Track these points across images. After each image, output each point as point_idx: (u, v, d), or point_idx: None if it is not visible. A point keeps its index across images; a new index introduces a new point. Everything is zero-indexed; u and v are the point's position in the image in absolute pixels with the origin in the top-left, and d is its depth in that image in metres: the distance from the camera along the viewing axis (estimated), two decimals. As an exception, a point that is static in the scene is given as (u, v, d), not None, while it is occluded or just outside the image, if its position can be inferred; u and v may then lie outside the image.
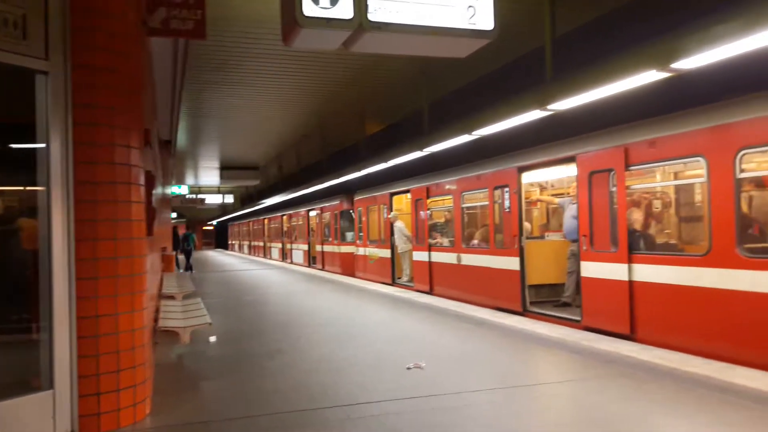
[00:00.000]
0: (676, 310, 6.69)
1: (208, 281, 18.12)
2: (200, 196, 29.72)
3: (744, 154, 5.99)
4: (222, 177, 23.44)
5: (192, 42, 7.17)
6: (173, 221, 29.56)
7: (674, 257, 6.93)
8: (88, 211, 4.25)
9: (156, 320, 7.60)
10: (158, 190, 8.91)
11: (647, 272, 7.10)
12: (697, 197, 8.46)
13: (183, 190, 26.72)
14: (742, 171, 6.06)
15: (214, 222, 61.01)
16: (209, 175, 25.47)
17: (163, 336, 7.56)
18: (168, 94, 9.20)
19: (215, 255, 43.14)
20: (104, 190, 4.30)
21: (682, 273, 6.61)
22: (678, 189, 8.74)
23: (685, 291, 6.54)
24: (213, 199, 30.59)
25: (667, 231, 8.46)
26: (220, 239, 62.82)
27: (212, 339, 7.92)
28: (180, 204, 28.21)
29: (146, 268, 4.74)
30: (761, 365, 5.51)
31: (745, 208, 6.81)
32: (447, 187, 12.41)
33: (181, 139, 16.78)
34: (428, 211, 13.41)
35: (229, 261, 32.33)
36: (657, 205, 8.64)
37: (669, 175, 8.27)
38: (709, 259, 6.29)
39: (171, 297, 10.51)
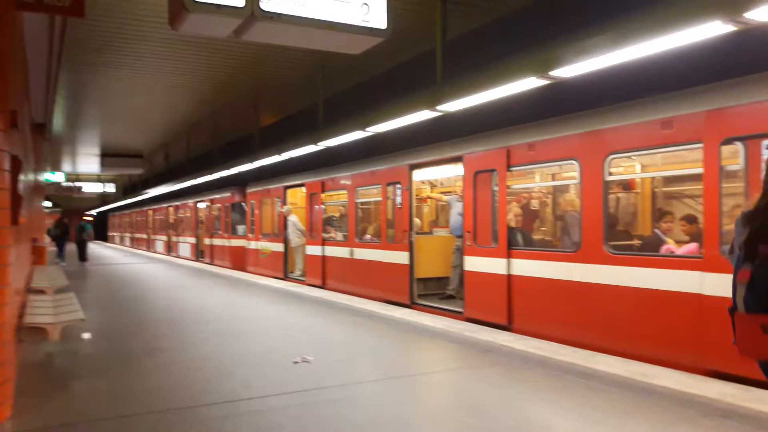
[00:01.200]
0: (549, 302, 7.17)
1: (86, 275, 16.98)
2: (78, 184, 27.74)
3: (612, 159, 6.52)
4: (103, 164, 22.04)
5: (71, 20, 6.68)
6: (46, 210, 27.43)
7: (549, 253, 7.41)
8: (-60, 197, 3.85)
9: (22, 316, 7.02)
10: (28, 177, 8.22)
11: (524, 267, 7.54)
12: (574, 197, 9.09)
13: (59, 177, 24.83)
14: (610, 174, 6.60)
15: (94, 212, 57.18)
16: (89, 162, 23.86)
17: (31, 334, 7.00)
18: (43, 75, 8.50)
19: (94, 247, 40.46)
20: (-40, 173, 3.92)
21: (555, 268, 7.09)
22: (555, 189, 9.35)
23: (558, 284, 7.02)
24: (92, 188, 28.67)
25: (543, 228, 9.02)
26: (100, 231, 59.00)
27: (86, 336, 7.44)
28: (55, 192, 26.19)
29: (9, 261, 4.37)
30: (621, 353, 6.03)
31: (612, 208, 7.42)
32: (342, 182, 12.46)
33: (58, 123, 15.58)
34: (323, 206, 13.40)
35: (110, 254, 30.48)
36: (535, 204, 9.19)
37: (547, 177, 8.82)
38: (579, 255, 6.79)
39: (41, 291, 9.75)
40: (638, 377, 5.21)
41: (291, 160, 12.91)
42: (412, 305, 9.81)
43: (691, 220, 6.59)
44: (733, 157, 5.40)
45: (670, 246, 6.54)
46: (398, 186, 10.32)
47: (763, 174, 3.35)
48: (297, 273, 15.08)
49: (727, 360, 5.24)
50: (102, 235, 56.86)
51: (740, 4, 4.00)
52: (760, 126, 5.08)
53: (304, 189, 14.53)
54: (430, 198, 13.03)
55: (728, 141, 5.34)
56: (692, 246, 6.21)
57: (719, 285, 5.30)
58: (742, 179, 5.27)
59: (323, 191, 13.25)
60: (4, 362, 4.22)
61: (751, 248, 2.60)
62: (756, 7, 3.95)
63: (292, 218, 15.08)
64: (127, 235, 42.91)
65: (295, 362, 5.95)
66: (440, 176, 12.37)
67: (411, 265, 9.97)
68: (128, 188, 36.13)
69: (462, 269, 8.82)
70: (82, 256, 22.62)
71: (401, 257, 10.17)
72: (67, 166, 25.83)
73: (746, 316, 2.59)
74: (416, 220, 10.63)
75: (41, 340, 6.88)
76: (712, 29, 4.35)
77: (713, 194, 5.44)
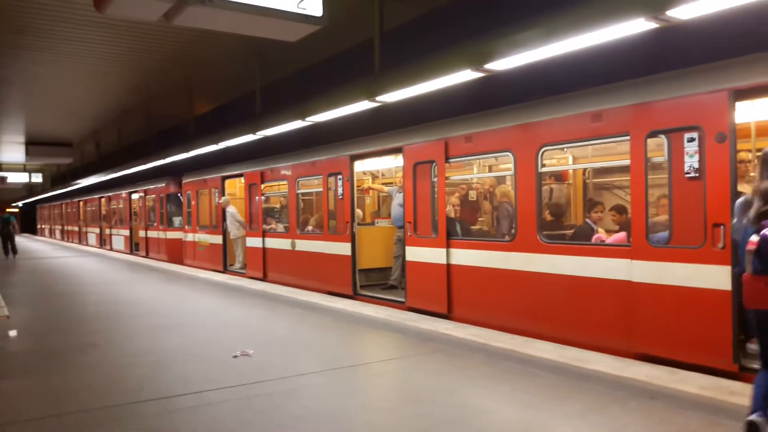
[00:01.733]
0: (486, 290, 7.34)
1: (13, 269, 16.14)
2: (1, 174, 26.27)
3: (545, 151, 6.70)
4: (29, 153, 20.96)
5: (-14, -2, 6.31)
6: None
7: (486, 243, 7.57)
8: None
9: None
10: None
11: (462, 256, 7.68)
12: (509, 188, 9.31)
13: (-21, 167, 23.45)
14: (543, 166, 6.79)
15: (20, 204, 54.33)
16: (13, 150, 22.62)
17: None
18: (-43, 56, 8.01)
19: (21, 240, 38.50)
20: None
21: (492, 257, 7.26)
22: (492, 180, 9.53)
23: (495, 273, 7.19)
24: (17, 178, 27.23)
25: (481, 219, 9.20)
26: (28, 223, 56.15)
27: (12, 333, 7.09)
28: (-25, 183, 24.75)
29: None
30: (557, 339, 6.25)
31: (545, 198, 7.65)
32: (282, 172, 12.30)
33: (-24, 108, 14.71)
34: (263, 197, 13.19)
35: (39, 247, 29.06)
36: (473, 195, 9.36)
37: (484, 168, 8.99)
38: (515, 244, 6.97)
39: (-40, 289, 9.21)
40: (572, 362, 5.42)
41: (229, 149, 12.64)
42: (354, 296, 9.83)
43: (620, 210, 6.87)
44: (659, 149, 5.65)
45: (600, 235, 6.80)
46: (339, 177, 10.28)
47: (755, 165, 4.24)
48: (237, 266, 14.82)
49: (655, 344, 5.51)
50: (31, 228, 54.16)
51: (662, 3, 4.18)
52: (682, 120, 5.34)
53: (242, 179, 14.26)
54: (372, 189, 13.05)
55: (653, 134, 5.58)
56: (621, 235, 6.48)
57: (647, 272, 5.56)
58: (666, 171, 5.52)
59: (263, 182, 13.04)
60: None
61: (758, 222, 3.35)
62: (676, 5, 4.13)
63: (231, 209, 14.78)
64: (58, 227, 41.01)
65: (235, 356, 5.87)
66: (381, 167, 12.40)
67: (353, 256, 9.98)
68: (57, 178, 34.50)
69: (403, 259, 8.90)
70: (12, 249, 21.45)
71: (343, 248, 10.15)
72: (-12, 156, 24.44)
73: (754, 277, 3.31)
74: (358, 211, 10.63)
75: (-39, 339, 6.52)
76: (635, 26, 4.53)
77: (640, 185, 5.68)
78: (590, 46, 4.99)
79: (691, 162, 5.26)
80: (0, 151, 23.22)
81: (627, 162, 5.86)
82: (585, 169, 8.55)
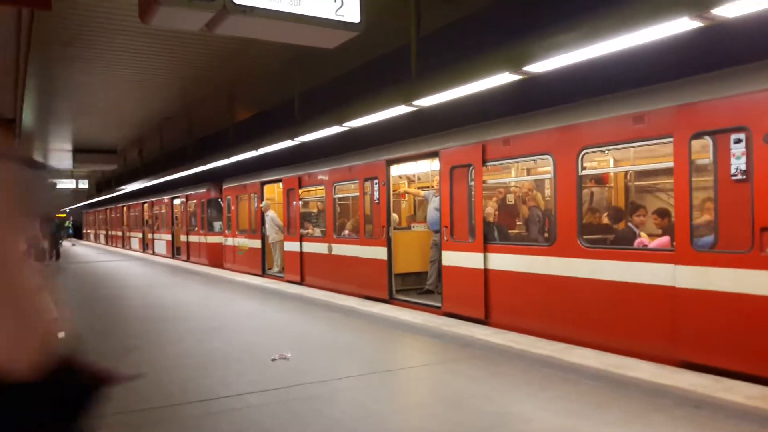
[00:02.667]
0: (525, 295, 7.25)
1: (59, 273, 16.69)
2: (50, 180, 27.20)
3: (585, 153, 6.60)
4: (75, 160, 21.65)
5: (39, 13, 6.54)
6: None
7: (524, 247, 7.49)
8: None
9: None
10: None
11: (500, 261, 7.61)
12: (547, 192, 9.19)
13: (29, 174, 24.28)
14: (583, 168, 6.68)
15: (67, 209, 56.21)
16: (61, 158, 23.40)
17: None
18: (11, 69, 8.32)
19: (67, 245, 39.79)
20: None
21: (531, 261, 7.17)
22: (530, 184, 9.43)
23: (534, 278, 7.10)
24: (65, 185, 28.15)
25: (519, 223, 9.10)
26: (74, 228, 58.04)
27: (60, 335, 7.32)
28: (26, 189, 25.61)
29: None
30: (597, 345, 6.13)
31: (586, 202, 7.52)
32: (319, 177, 12.42)
33: (28, 118, 15.24)
34: (300, 201, 13.34)
35: (84, 252, 29.99)
36: (510, 198, 9.27)
37: (522, 171, 8.89)
38: (554, 249, 6.87)
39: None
40: (613, 369, 5.30)
41: (268, 155, 12.82)
42: (390, 300, 9.84)
43: (662, 213, 6.70)
44: (703, 151, 5.50)
45: (642, 239, 6.65)
46: (376, 181, 10.32)
47: None
48: (275, 269, 15.00)
49: (699, 351, 5.36)
50: (77, 233, 55.97)
51: (706, 1, 4.07)
52: (728, 121, 5.19)
53: (281, 185, 14.44)
54: (408, 193, 13.05)
55: (698, 135, 5.44)
56: (664, 239, 6.32)
57: (691, 277, 5.41)
58: (712, 173, 5.37)
59: (300, 187, 13.19)
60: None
61: None
62: (722, 4, 4.02)
63: (270, 214, 14.99)
64: (102, 232, 42.24)
65: (274, 359, 5.94)
66: (417, 171, 12.39)
67: (389, 261, 9.99)
68: (102, 184, 35.54)
69: (440, 264, 8.87)
70: (56, 253, 22.24)
71: (379, 252, 10.18)
72: (38, 163, 25.32)
73: None
74: (394, 216, 10.65)
75: (13, 340, 6.76)
76: (679, 25, 4.42)
77: (684, 188, 5.54)
78: (632, 46, 4.89)
79: (737, 164, 5.10)
80: (49, 159, 24.06)
81: (670, 164, 5.72)
82: (626, 172, 8.38)
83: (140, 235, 29.54)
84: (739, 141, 5.10)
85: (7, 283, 1.43)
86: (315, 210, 14.19)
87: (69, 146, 20.85)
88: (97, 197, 36.46)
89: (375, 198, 10.33)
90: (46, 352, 1.50)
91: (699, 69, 5.62)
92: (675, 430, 3.87)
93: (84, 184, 29.66)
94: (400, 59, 8.52)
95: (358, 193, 11.17)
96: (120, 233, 34.94)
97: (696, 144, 5.50)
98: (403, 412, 4.45)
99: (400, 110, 7.66)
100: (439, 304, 8.74)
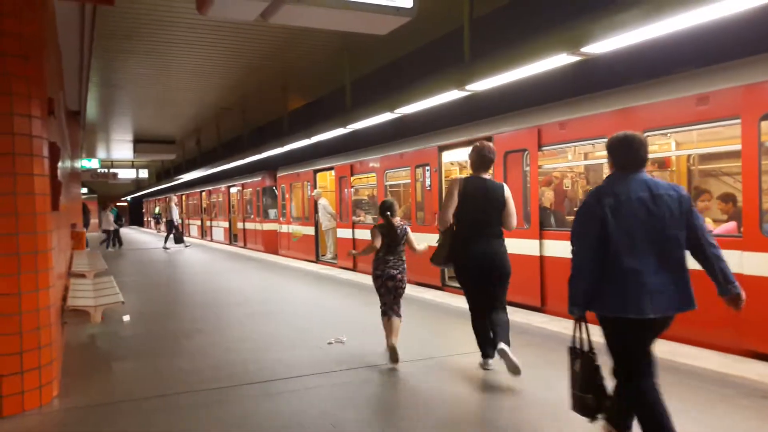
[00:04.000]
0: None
1: (123, 259, 17.42)
2: (113, 170, 28.32)
3: (646, 137, 6.36)
4: (136, 150, 22.42)
5: (100, 8, 6.78)
6: (83, 197, 28.13)
7: (582, 233, 7.31)
8: (-17, 185, 3.98)
9: (65, 299, 7.26)
10: (65, 164, 8.44)
11: (557, 248, 7.47)
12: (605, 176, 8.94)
13: (94, 163, 25.38)
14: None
15: (128, 198, 58.40)
16: (122, 148, 24.30)
17: (73, 316, 7.24)
18: (76, 63, 8.67)
19: (129, 232, 41.41)
20: (2, 161, 4.04)
21: (588, 248, 6.99)
22: (587, 168, 9.19)
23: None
24: (126, 174, 29.25)
25: (576, 209, 8.88)
26: (135, 216, 60.29)
27: (126, 318, 7.66)
28: (91, 179, 26.81)
29: (52, 245, 4.51)
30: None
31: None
32: (371, 164, 12.47)
33: (92, 110, 15.90)
34: (352, 189, 13.44)
35: (145, 238, 31.14)
36: (567, 184, 9.06)
37: (579, 156, 8.68)
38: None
39: (81, 275, 10.05)
40: (675, 357, 5.16)
41: (320, 143, 12.95)
42: (443, 287, 9.82)
43: (728, 198, 6.42)
44: (774, 132, 5.24)
45: (707, 225, 6.39)
46: (427, 168, 10.28)
47: None
48: (329, 256, 15.21)
49: (767, 340, 5.14)
50: (138, 220, 58.11)
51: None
52: (802, 99, 4.92)
53: (333, 172, 14.58)
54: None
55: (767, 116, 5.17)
56: (731, 225, 6.06)
57: (760, 264, 5.17)
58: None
59: (352, 174, 13.28)
60: (50, 343, 4.39)
61: None
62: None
63: (322, 201, 15.17)
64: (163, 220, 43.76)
65: (330, 343, 6.04)
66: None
67: (441, 247, 9.94)
68: (161, 174, 36.73)
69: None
70: (118, 240, 23.12)
71: (432, 239, 10.14)
72: (101, 153, 26.37)
73: None
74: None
75: (84, 322, 7.12)
76: (748, 1, 4.19)
77: (753, 171, 5.29)
78: (695, 25, 4.67)
79: (812, 145, 4.83)
80: (111, 149, 25.02)
81: (737, 147, 5.46)
82: (689, 155, 8.06)
83: (199, 222, 30.44)
84: (814, 121, 4.82)
85: None
86: (367, 197, 14.27)
87: (130, 137, 21.61)
88: (157, 186, 37.69)
89: (427, 185, 10.30)
90: None
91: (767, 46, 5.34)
92: (740, 420, 3.73)
93: (144, 174, 30.74)
94: (452, 44, 8.43)
95: (409, 180, 11.16)
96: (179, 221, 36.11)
97: (765, 125, 5.24)
98: (458, 397, 4.45)
99: (452, 95, 7.58)
100: (492, 291, 8.65)
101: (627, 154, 3.26)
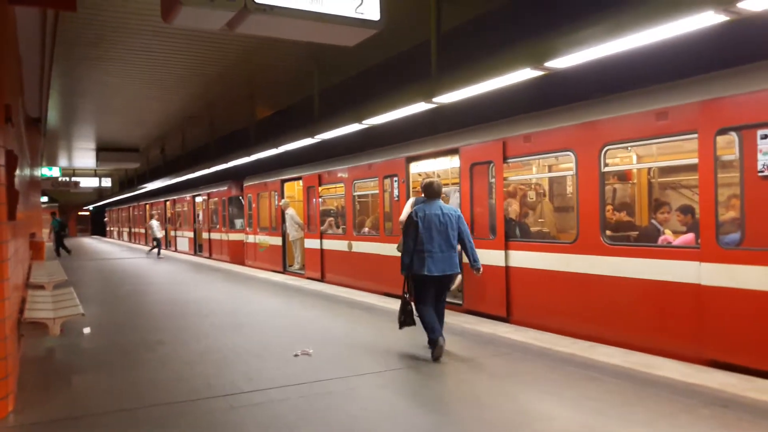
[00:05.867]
0: (547, 293, 7.20)
1: (84, 270, 16.99)
2: (74, 179, 27.68)
3: (608, 150, 6.53)
4: (99, 159, 22.01)
5: (63, 14, 6.66)
6: (43, 206, 27.42)
7: (545, 244, 7.43)
8: (-64, 194, 3.85)
9: (22, 311, 7.03)
10: (24, 172, 8.21)
11: (522, 258, 7.56)
12: (569, 189, 9.11)
13: (54, 172, 24.78)
14: (606, 165, 6.61)
15: (90, 207, 57.08)
16: (85, 156, 23.83)
17: (31, 328, 7.02)
18: (36, 69, 8.48)
19: (91, 242, 40.46)
20: (-43, 170, 3.92)
21: (553, 259, 7.12)
22: (551, 181, 9.36)
23: (556, 276, 7.05)
24: (89, 183, 28.64)
25: (541, 220, 9.03)
26: (97, 225, 58.92)
27: (86, 330, 7.46)
28: (51, 187, 26.17)
29: (7, 256, 4.37)
30: (621, 343, 6.07)
31: (608, 199, 7.43)
32: (339, 175, 12.45)
33: (53, 117, 15.55)
34: (320, 199, 13.39)
35: (108, 248, 30.46)
36: (532, 195, 9.20)
37: (543, 168, 8.83)
38: (577, 246, 6.82)
39: (40, 287, 9.75)
40: (638, 367, 5.25)
41: (288, 153, 12.90)
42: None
43: (686, 210, 6.61)
44: (729, 147, 5.41)
45: (667, 236, 6.57)
46: (395, 179, 10.32)
47: None
48: (296, 266, 15.10)
49: (727, 350, 5.28)
50: (101, 230, 56.81)
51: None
52: (755, 116, 5.10)
53: (301, 182, 14.51)
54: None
55: (723, 131, 5.35)
56: (689, 236, 6.23)
57: (717, 275, 5.33)
58: (738, 169, 5.28)
59: (320, 184, 13.24)
60: (5, 356, 4.25)
61: None
62: (750, -3, 3.95)
63: (290, 212, 15.08)
64: (125, 229, 42.85)
65: (296, 355, 5.98)
66: (437, 168, 12.36)
67: (409, 257, 9.96)
68: (125, 183, 36.06)
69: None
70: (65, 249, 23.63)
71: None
72: (63, 161, 25.79)
73: None
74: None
75: (42, 334, 6.91)
76: (704, 19, 4.35)
77: (709, 184, 5.46)
78: (655, 41, 4.82)
79: (764, 160, 5.01)
80: (73, 157, 24.47)
81: (695, 161, 5.63)
82: (650, 169, 8.28)
83: (162, 232, 29.91)
84: (766, 137, 5.00)
85: None
86: (335, 207, 14.24)
87: (93, 145, 21.19)
88: (120, 195, 36.96)
89: (395, 195, 10.33)
90: None
91: (724, 64, 5.52)
92: (702, 430, 3.82)
93: (107, 182, 30.13)
94: (420, 56, 8.51)
95: (377, 191, 11.18)
96: (143, 231, 35.41)
97: (721, 140, 5.42)
98: (424, 408, 4.46)
99: (420, 107, 7.65)
100: (460, 302, 8.72)
101: (430, 190, 6.12)
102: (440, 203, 6.02)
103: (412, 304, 6.12)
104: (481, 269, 6.14)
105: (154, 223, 22.67)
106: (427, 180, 6.14)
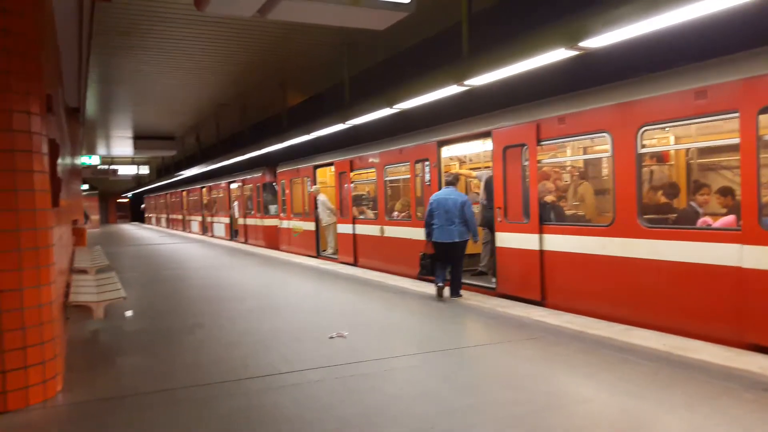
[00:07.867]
0: (582, 277, 7.12)
1: (124, 256, 17.45)
2: (113, 167, 28.34)
3: (645, 131, 6.39)
4: (136, 147, 22.48)
5: (98, 4, 6.79)
6: (84, 193, 28.17)
7: (581, 228, 7.34)
8: (-17, 182, 4.00)
9: (67, 295, 7.28)
10: (65, 160, 8.45)
11: (556, 242, 7.49)
12: (604, 171, 8.95)
13: (94, 160, 25.40)
14: (643, 146, 6.47)
15: (129, 194, 58.43)
16: (122, 145, 24.33)
17: (76, 312, 7.27)
18: (74, 59, 8.67)
19: (131, 228, 41.47)
20: (2, 158, 4.06)
21: (588, 242, 7.03)
22: (586, 163, 9.21)
23: (592, 259, 6.97)
24: (127, 170, 29.27)
25: (576, 203, 8.91)
26: (136, 212, 60.35)
27: (128, 314, 7.70)
28: (91, 175, 26.84)
29: (52, 241, 4.53)
30: (658, 327, 5.99)
31: (645, 181, 7.28)
32: (370, 160, 12.48)
33: (92, 107, 15.91)
34: (352, 184, 13.45)
35: (146, 235, 31.19)
36: (566, 178, 9.08)
37: (578, 150, 8.69)
38: (613, 229, 6.72)
39: (83, 271, 10.07)
40: (675, 351, 5.18)
41: (320, 139, 12.96)
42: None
43: (726, 192, 6.44)
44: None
45: (707, 219, 6.42)
46: (426, 163, 10.29)
47: None
48: (329, 251, 15.23)
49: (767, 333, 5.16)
50: (139, 217, 58.16)
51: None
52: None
53: (333, 168, 14.59)
54: (460, 174, 12.94)
55: (766, 110, 5.18)
56: (730, 218, 6.08)
57: (759, 257, 5.19)
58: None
59: (352, 170, 13.29)
60: (53, 338, 4.42)
61: None
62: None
63: (321, 197, 15.18)
64: (163, 216, 43.79)
65: (331, 337, 6.07)
66: (469, 152, 12.27)
67: (441, 242, 9.95)
68: (162, 170, 36.76)
69: (493, 245, 8.80)
70: None
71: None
72: (102, 150, 26.39)
73: None
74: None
75: (86, 318, 7.15)
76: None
77: (751, 165, 5.30)
78: (693, 18, 4.67)
79: (811, 138, 4.84)
80: (111, 146, 25.03)
81: (736, 141, 5.47)
82: (688, 150, 8.07)
83: (199, 218, 30.46)
84: (812, 114, 4.83)
85: None
86: (366, 193, 14.28)
87: (130, 133, 21.62)
88: (157, 182, 37.72)
89: (426, 180, 10.31)
90: None
91: (766, 40, 5.33)
92: (744, 413, 3.75)
93: (145, 170, 30.74)
94: (451, 39, 8.42)
95: (408, 175, 11.17)
96: (180, 217, 36.12)
97: (764, 119, 5.25)
98: (459, 390, 4.48)
99: (451, 90, 7.58)
100: (493, 286, 8.70)
101: (446, 180, 8.54)
102: (450, 190, 8.26)
103: (428, 258, 8.47)
104: (478, 240, 8.78)
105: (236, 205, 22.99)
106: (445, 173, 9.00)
